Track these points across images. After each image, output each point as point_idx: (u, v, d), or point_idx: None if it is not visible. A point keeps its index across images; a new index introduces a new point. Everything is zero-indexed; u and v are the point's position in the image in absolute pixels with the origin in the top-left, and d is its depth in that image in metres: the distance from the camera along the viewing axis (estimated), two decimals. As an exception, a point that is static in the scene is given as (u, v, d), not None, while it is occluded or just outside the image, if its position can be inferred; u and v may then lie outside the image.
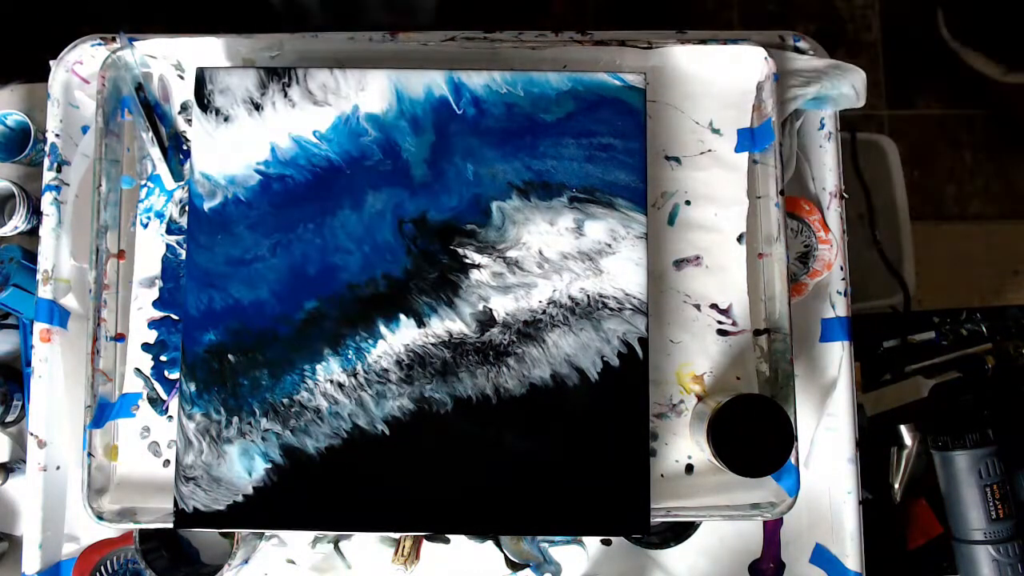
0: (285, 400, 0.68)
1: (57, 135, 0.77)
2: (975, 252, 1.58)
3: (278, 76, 0.71)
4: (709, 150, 0.77)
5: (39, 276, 0.75)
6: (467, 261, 0.69)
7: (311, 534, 0.75)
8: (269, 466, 0.67)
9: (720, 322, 0.75)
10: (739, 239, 0.75)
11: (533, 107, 0.71)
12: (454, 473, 0.67)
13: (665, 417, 0.74)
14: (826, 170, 0.78)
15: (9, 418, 0.81)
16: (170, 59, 0.77)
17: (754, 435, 0.66)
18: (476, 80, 0.71)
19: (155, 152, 0.76)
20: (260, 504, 0.67)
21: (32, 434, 0.74)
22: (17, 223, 0.81)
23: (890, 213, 1.10)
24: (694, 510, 0.72)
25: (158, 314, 0.75)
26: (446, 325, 0.68)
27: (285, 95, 0.71)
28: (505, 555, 0.75)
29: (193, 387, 0.68)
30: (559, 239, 0.70)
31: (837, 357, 0.76)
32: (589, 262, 0.69)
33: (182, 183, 0.77)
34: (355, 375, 0.68)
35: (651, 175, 0.73)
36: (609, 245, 0.70)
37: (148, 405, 0.74)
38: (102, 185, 0.73)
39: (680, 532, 0.74)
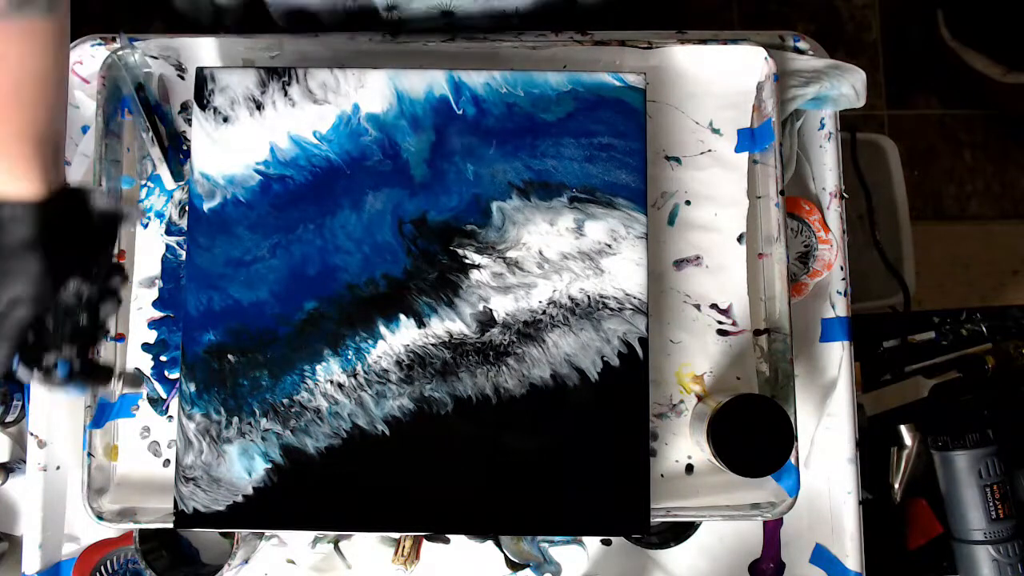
0: (285, 400, 0.68)
1: (57, 135, 0.77)
2: (975, 252, 1.58)
3: (278, 75, 0.71)
4: (709, 150, 0.77)
5: (39, 276, 0.75)
6: (467, 261, 0.69)
7: (311, 534, 0.75)
8: (269, 466, 0.67)
9: (720, 322, 0.75)
10: (739, 239, 0.75)
11: (533, 107, 0.71)
12: (454, 473, 0.67)
13: (665, 417, 0.74)
14: (826, 170, 0.78)
15: (9, 418, 0.80)
16: (170, 59, 0.77)
17: (754, 435, 0.66)
18: (476, 79, 0.71)
19: (155, 152, 0.76)
20: (260, 504, 0.67)
21: (32, 434, 0.74)
22: (17, 223, 0.80)
23: (890, 213, 1.10)
24: (694, 510, 0.72)
25: (158, 314, 0.75)
26: (446, 325, 0.68)
27: (285, 94, 0.71)
28: (505, 555, 0.75)
29: (193, 387, 0.68)
30: (559, 239, 0.70)
31: (837, 357, 0.76)
32: (589, 262, 0.69)
33: (182, 183, 0.77)
34: (355, 375, 0.68)
35: (651, 175, 0.73)
36: (609, 245, 0.70)
37: (148, 405, 0.74)
38: (102, 185, 0.73)
39: (680, 532, 0.74)
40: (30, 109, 0.53)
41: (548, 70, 0.73)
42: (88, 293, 0.59)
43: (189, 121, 0.77)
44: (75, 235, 0.58)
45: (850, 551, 0.74)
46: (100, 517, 0.70)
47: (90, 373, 0.62)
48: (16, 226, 0.54)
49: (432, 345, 0.68)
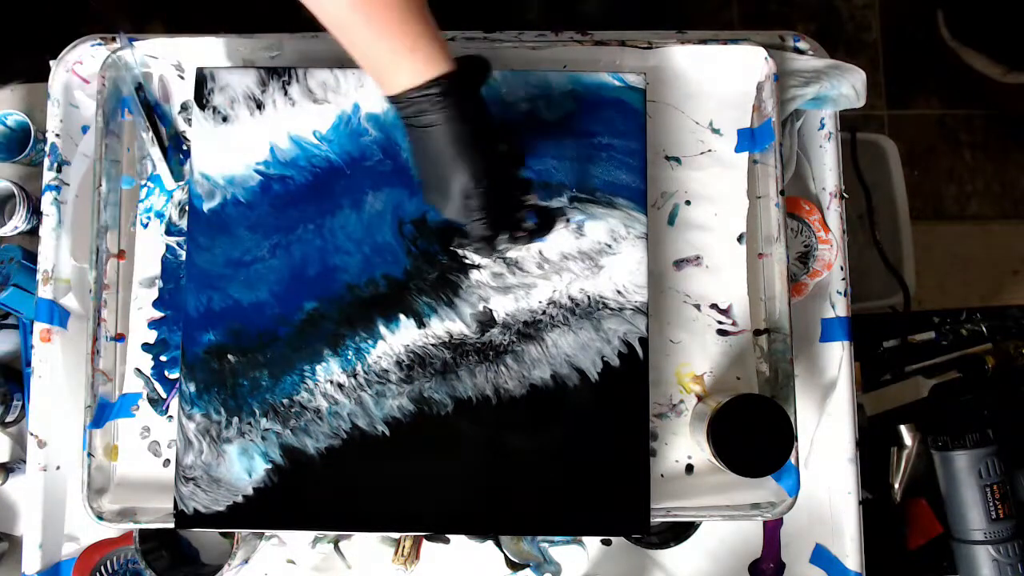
0: (285, 400, 0.68)
1: (57, 135, 0.77)
2: (975, 252, 1.58)
3: (278, 75, 0.71)
4: (709, 150, 0.77)
5: (39, 276, 0.75)
6: (467, 262, 0.69)
7: (311, 534, 0.75)
8: (269, 466, 0.67)
9: (720, 322, 0.75)
10: (739, 239, 0.75)
11: (533, 107, 0.71)
12: (454, 473, 0.67)
13: (665, 417, 0.74)
14: (826, 170, 0.78)
15: (9, 418, 0.80)
16: (170, 59, 0.77)
17: (754, 435, 0.66)
18: (476, 80, 0.71)
19: (155, 152, 0.76)
20: (260, 504, 0.67)
21: (32, 434, 0.74)
22: (17, 223, 0.81)
23: (890, 213, 1.10)
24: (694, 510, 0.72)
25: (158, 314, 0.75)
26: (446, 325, 0.68)
27: (285, 93, 0.71)
28: (505, 555, 0.75)
29: (193, 387, 0.68)
30: (559, 239, 0.70)
31: (837, 357, 0.76)
32: (589, 262, 0.69)
33: (182, 183, 0.77)
34: (355, 375, 0.68)
35: (651, 175, 0.73)
36: (609, 245, 0.70)
37: (148, 405, 0.74)
38: (102, 185, 0.73)
39: (680, 532, 0.74)
40: None
41: (548, 70, 0.73)
42: (508, 150, 0.62)
43: (189, 121, 0.77)
44: (480, 97, 0.60)
45: (850, 551, 0.74)
46: (100, 517, 0.70)
47: (547, 218, 0.68)
48: (461, 100, 0.57)
49: (432, 345, 0.68)
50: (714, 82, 0.77)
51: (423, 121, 0.57)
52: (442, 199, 0.60)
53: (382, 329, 0.68)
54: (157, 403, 0.74)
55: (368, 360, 0.68)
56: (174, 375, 0.74)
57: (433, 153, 0.58)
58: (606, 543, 0.76)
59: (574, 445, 0.68)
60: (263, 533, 0.75)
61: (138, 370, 0.74)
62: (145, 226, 0.76)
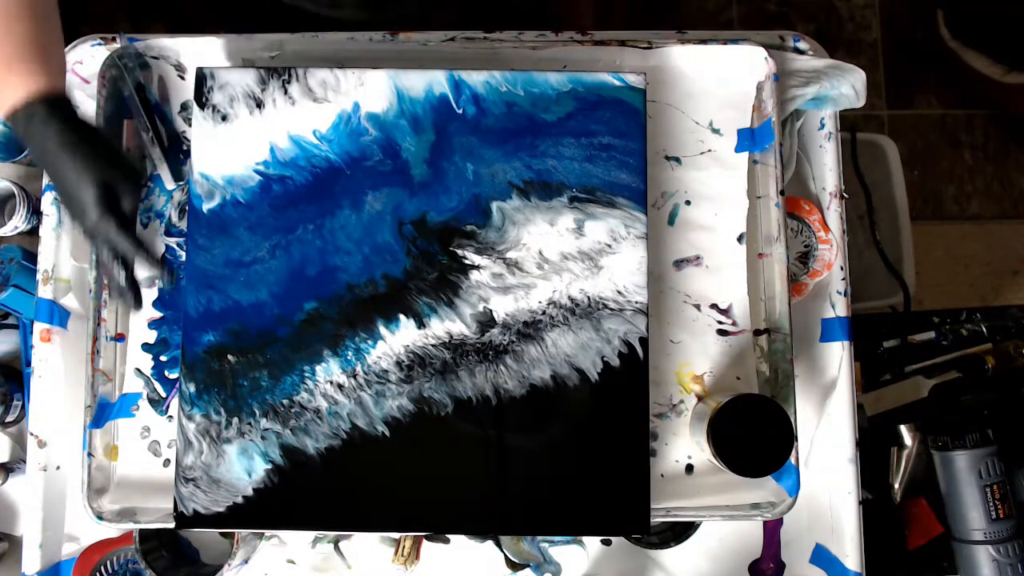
0: (285, 401, 0.68)
1: (57, 135, 0.77)
2: (975, 252, 1.58)
3: (278, 74, 0.71)
4: (709, 150, 0.77)
5: (39, 276, 0.75)
6: (467, 262, 0.69)
7: (311, 534, 0.75)
8: (269, 466, 0.67)
9: (720, 322, 0.75)
10: (739, 239, 0.75)
11: (533, 106, 0.71)
12: (454, 473, 0.67)
13: (665, 417, 0.74)
14: (826, 170, 0.78)
15: (9, 418, 0.80)
16: (170, 59, 0.77)
17: (754, 435, 0.66)
18: (476, 78, 0.71)
19: (155, 152, 0.76)
20: (260, 505, 0.67)
21: (32, 434, 0.74)
22: (17, 223, 0.80)
23: (890, 213, 1.10)
24: (694, 510, 0.72)
25: (158, 314, 0.75)
26: (446, 326, 0.68)
27: (285, 92, 0.71)
28: (505, 555, 0.75)
29: (193, 388, 0.68)
30: (559, 239, 0.70)
31: (837, 357, 0.76)
32: (589, 262, 0.69)
33: (182, 183, 0.77)
34: (355, 376, 0.68)
35: (651, 175, 0.73)
36: (609, 245, 0.70)
37: (148, 405, 0.74)
38: (102, 185, 0.73)
39: (680, 532, 0.74)
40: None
41: (548, 70, 0.73)
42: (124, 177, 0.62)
43: (189, 121, 0.77)
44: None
45: (850, 551, 0.74)
46: (100, 517, 0.70)
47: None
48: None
49: (432, 345, 0.68)
50: (714, 82, 0.77)
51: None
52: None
53: (382, 329, 0.68)
54: (157, 403, 0.74)
55: (368, 360, 0.68)
56: (174, 375, 0.74)
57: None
58: (606, 543, 0.76)
59: (574, 445, 0.68)
60: (263, 533, 0.75)
61: (138, 370, 0.74)
62: (145, 226, 0.76)
